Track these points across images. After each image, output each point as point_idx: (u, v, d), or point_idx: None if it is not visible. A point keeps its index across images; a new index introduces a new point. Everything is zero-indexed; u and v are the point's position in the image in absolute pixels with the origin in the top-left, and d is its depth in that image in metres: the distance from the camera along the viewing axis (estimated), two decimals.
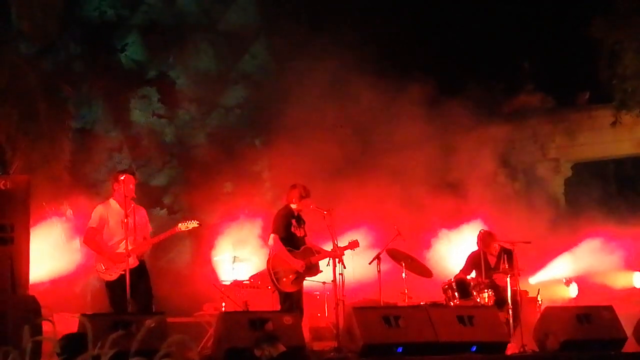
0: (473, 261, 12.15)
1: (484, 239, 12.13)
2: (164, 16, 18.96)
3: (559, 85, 18.36)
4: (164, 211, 17.51)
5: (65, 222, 15.31)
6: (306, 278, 10.87)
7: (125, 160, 18.09)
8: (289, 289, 10.63)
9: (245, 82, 19.06)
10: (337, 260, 10.59)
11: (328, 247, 10.90)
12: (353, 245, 10.94)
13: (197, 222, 10.44)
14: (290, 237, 10.77)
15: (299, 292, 10.82)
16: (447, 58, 17.38)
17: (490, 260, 12.00)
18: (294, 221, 10.86)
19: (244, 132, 18.29)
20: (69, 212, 15.61)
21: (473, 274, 12.19)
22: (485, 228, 12.65)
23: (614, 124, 17.15)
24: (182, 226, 10.34)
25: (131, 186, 10.16)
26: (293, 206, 10.91)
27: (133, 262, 9.95)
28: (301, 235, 10.90)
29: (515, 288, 11.22)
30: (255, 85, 18.92)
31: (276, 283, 10.63)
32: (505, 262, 11.48)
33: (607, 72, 17.11)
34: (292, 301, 10.61)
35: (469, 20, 18.11)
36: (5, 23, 15.70)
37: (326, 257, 10.81)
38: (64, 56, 18.17)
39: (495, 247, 12.05)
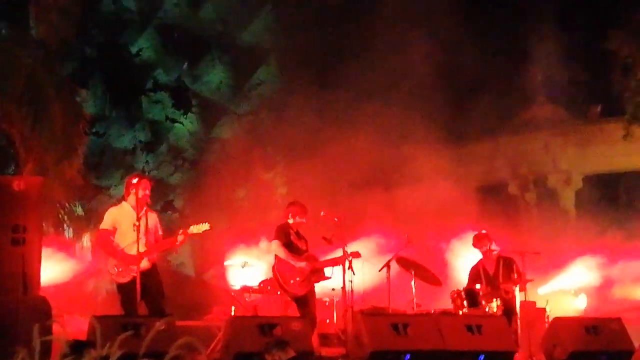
0: (473, 275, 12.12)
1: (478, 239, 12.11)
2: (179, 22, 19.10)
3: (571, 98, 18.35)
4: (176, 214, 17.62)
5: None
6: (315, 283, 10.89)
7: (138, 163, 18.21)
8: (299, 291, 10.65)
9: (258, 91, 19.16)
10: (346, 266, 10.63)
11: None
12: (354, 255, 10.92)
13: (209, 224, 10.46)
14: (292, 246, 10.83)
15: (312, 297, 10.84)
16: (459, 69, 17.38)
17: (489, 269, 11.96)
18: (292, 232, 10.93)
19: (256, 139, 18.38)
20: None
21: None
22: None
23: (625, 137, 17.13)
24: (194, 229, 10.34)
25: (147, 191, 10.21)
26: (290, 221, 10.99)
27: (145, 264, 10.00)
28: (303, 248, 10.94)
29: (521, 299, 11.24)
30: (268, 96, 19.01)
31: (284, 287, 10.67)
32: (504, 270, 11.53)
33: (619, 85, 17.12)
34: (307, 307, 10.64)
35: (481, 30, 18.10)
36: (22, 27, 15.82)
37: (330, 265, 10.85)
38: (80, 60, 18.31)
39: (490, 249, 11.97)
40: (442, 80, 17.10)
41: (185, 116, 18.97)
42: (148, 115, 18.76)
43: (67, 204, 15.54)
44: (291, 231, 10.92)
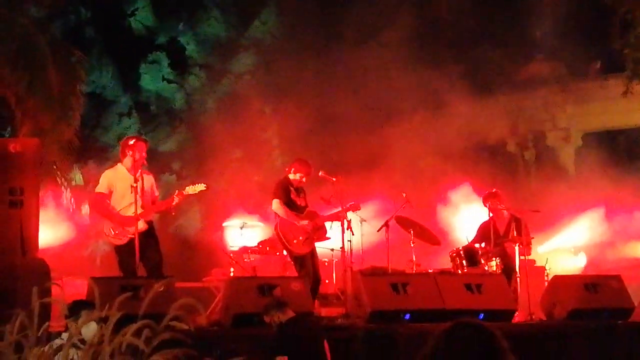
0: (482, 231, 12.07)
1: (489, 197, 12.05)
2: None
3: (570, 54, 18.19)
4: (173, 176, 17.57)
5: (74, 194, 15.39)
6: (316, 242, 10.87)
7: (135, 125, 18.13)
8: (301, 250, 10.62)
9: (255, 48, 19.00)
10: (345, 226, 10.60)
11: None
12: (354, 207, 10.91)
13: (204, 185, 10.43)
14: (292, 204, 10.78)
15: (314, 256, 10.81)
16: (458, 25, 17.23)
17: (499, 228, 11.92)
18: (292, 189, 10.88)
19: (253, 98, 18.27)
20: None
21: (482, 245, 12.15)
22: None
23: (625, 93, 16.99)
24: (190, 189, 10.34)
25: (143, 153, 10.18)
26: (292, 177, 10.93)
27: (142, 226, 9.98)
28: (302, 205, 10.90)
29: (523, 257, 11.21)
30: (265, 52, 18.85)
31: (287, 246, 10.64)
32: (514, 230, 11.45)
33: (619, 42, 16.96)
34: (308, 267, 10.61)
35: None
36: None
37: (331, 220, 10.83)
38: (74, 21, 18.15)
39: (501, 208, 11.93)
40: (440, 36, 16.97)
41: (181, 77, 18.86)
42: (144, 76, 18.64)
43: (65, 173, 15.45)
44: (291, 188, 10.85)
